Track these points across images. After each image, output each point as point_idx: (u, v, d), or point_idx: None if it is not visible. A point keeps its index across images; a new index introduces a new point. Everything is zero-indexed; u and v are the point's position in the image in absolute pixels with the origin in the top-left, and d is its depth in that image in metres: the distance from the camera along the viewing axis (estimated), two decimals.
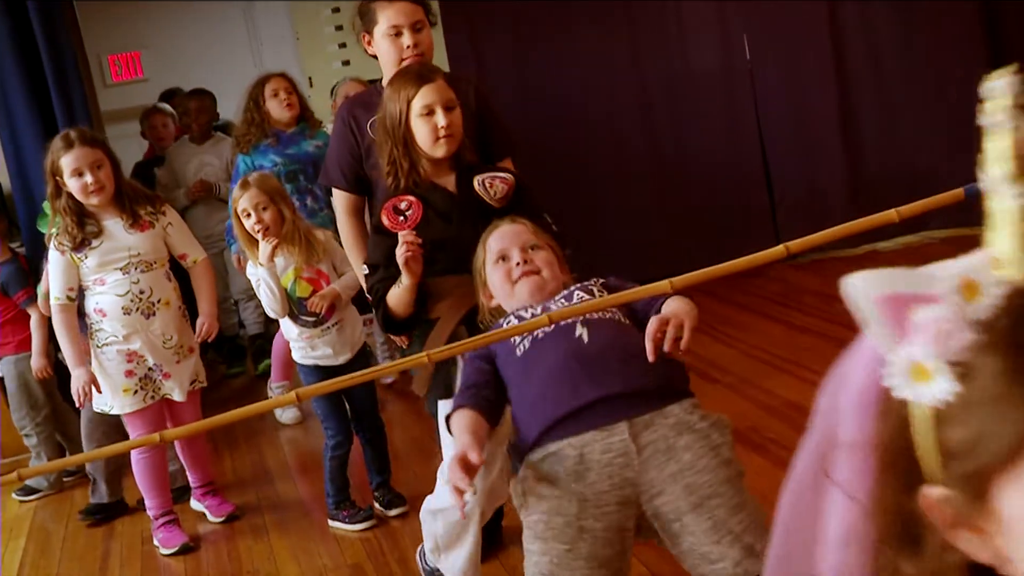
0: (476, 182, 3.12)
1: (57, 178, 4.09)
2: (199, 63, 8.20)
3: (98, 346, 4.17)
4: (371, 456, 4.29)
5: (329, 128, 4.84)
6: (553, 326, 2.64)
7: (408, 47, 3.43)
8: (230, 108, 6.36)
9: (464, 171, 3.18)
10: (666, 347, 2.55)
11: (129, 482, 4.66)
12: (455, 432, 2.61)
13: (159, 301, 4.19)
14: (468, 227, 3.06)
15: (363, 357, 4.22)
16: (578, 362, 2.61)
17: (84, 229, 4.10)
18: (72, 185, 4.07)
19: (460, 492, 2.36)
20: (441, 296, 3.10)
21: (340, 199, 3.69)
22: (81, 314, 4.21)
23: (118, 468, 4.74)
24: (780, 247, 2.42)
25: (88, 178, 4.06)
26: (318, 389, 3.02)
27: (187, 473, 4.61)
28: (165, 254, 4.26)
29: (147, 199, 4.26)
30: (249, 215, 4.03)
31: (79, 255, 4.11)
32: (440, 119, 3.09)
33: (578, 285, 2.84)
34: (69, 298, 4.12)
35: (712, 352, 5.30)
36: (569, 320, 2.68)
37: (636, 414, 2.54)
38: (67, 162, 4.05)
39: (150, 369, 4.19)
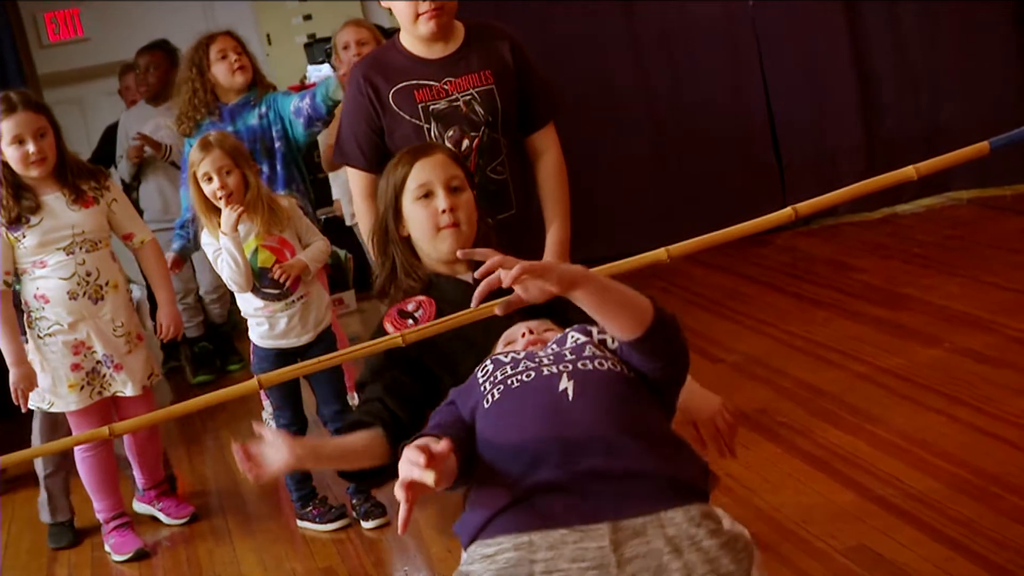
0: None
1: None
2: (144, 20, 8.13)
3: (40, 336, 4.13)
4: None
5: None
6: (531, 373, 2.28)
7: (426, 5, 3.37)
8: None
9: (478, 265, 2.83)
10: (720, 450, 2.33)
11: (77, 498, 4.61)
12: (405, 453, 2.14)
13: (107, 284, 4.16)
14: (493, 323, 2.63)
15: (327, 339, 4.19)
16: (554, 424, 2.17)
17: (20, 203, 4.05)
18: (10, 154, 4.02)
19: (411, 490, 1.99)
20: None
21: (358, 180, 3.58)
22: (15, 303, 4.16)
23: (67, 478, 4.65)
24: (788, 209, 2.42)
25: (30, 147, 4.01)
26: (282, 375, 3.00)
27: (135, 473, 4.56)
28: (108, 233, 4.23)
29: (90, 173, 4.22)
30: (211, 179, 3.98)
31: (15, 233, 4.06)
32: (441, 202, 2.78)
33: (576, 327, 2.43)
34: (5, 283, 4.07)
35: (715, 329, 5.31)
36: (553, 369, 2.28)
37: (625, 514, 2.05)
38: (7, 128, 4.00)
39: (98, 362, 4.16)
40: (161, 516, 4.55)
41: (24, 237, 4.06)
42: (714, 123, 6.88)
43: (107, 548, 4.38)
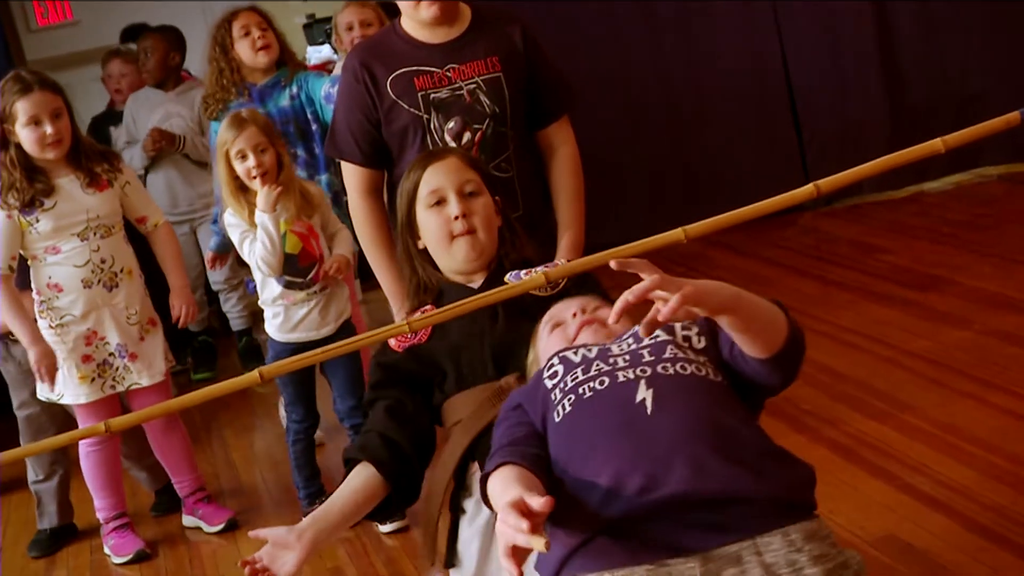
0: (510, 277, 2.67)
1: (5, 126, 4.03)
2: (138, 3, 8.13)
3: (51, 326, 4.11)
4: None
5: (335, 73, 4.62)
6: (605, 379, 2.11)
7: None
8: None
9: (498, 272, 2.76)
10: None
11: (77, 497, 4.62)
12: (496, 493, 2.03)
13: (122, 270, 4.16)
14: (504, 324, 2.63)
15: (347, 333, 4.14)
16: (632, 443, 1.99)
17: (34, 186, 4.03)
18: (25, 135, 4.00)
19: (517, 556, 1.82)
20: (459, 411, 2.64)
21: (353, 175, 3.48)
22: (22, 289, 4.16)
23: (66, 480, 4.64)
24: (809, 186, 2.41)
25: (48, 128, 4.00)
26: (282, 367, 2.98)
27: (172, 482, 4.49)
28: (122, 217, 4.23)
29: (103, 156, 4.23)
30: (245, 157, 3.96)
31: (29, 217, 4.04)
32: (453, 208, 2.74)
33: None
34: (11, 268, 4.06)
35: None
36: (629, 374, 2.10)
37: (718, 542, 1.89)
38: (22, 108, 3.99)
39: (111, 354, 4.14)
40: (203, 525, 4.45)
41: (38, 221, 4.04)
42: (731, 100, 6.85)
43: (106, 550, 4.39)
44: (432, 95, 3.34)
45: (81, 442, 4.22)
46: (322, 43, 5.72)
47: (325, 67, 6.09)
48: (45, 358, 4.06)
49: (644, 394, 2.04)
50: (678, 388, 2.05)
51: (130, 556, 4.31)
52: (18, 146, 4.03)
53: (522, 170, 3.40)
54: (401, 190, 2.83)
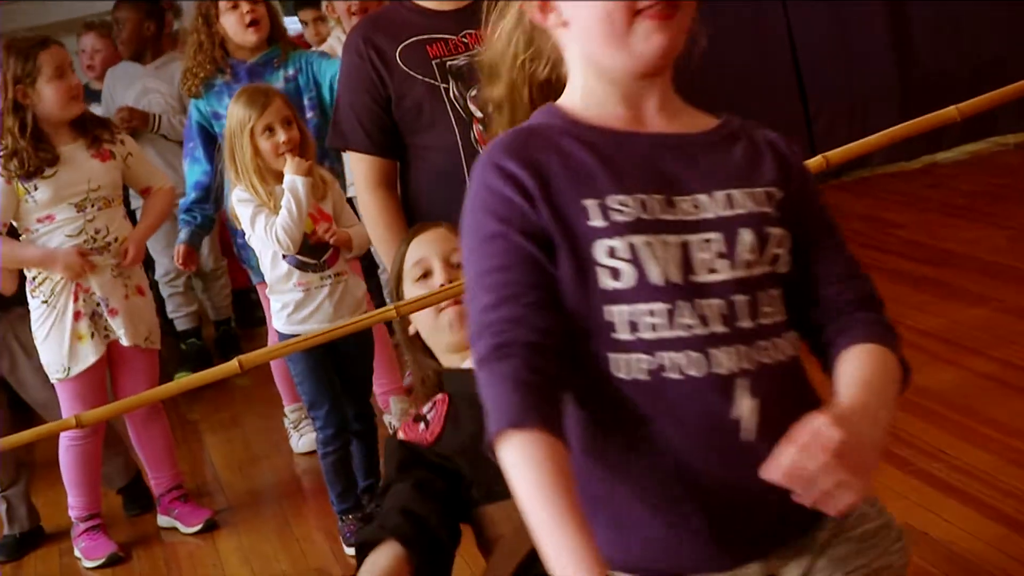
0: None
1: (20, 87, 4.01)
2: None
3: (44, 301, 4.11)
4: (360, 452, 4.08)
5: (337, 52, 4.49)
6: (701, 362, 1.59)
7: None
8: None
9: None
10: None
11: (42, 500, 4.62)
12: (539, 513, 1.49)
13: (116, 240, 4.17)
14: None
15: (363, 332, 3.92)
16: (722, 471, 1.60)
17: (39, 155, 4.03)
18: (51, 91, 4.01)
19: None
20: (497, 525, 2.38)
21: (361, 167, 3.27)
22: None
23: (30, 483, 4.62)
24: (818, 158, 2.42)
25: (73, 80, 4.05)
26: (263, 355, 2.99)
27: (150, 477, 4.48)
28: (122, 191, 4.25)
29: (101, 122, 4.26)
30: (274, 132, 3.84)
31: (27, 184, 4.05)
32: (438, 277, 2.66)
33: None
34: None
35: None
36: (726, 362, 1.60)
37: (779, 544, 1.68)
38: (48, 59, 4.01)
39: (97, 304, 4.13)
40: (179, 525, 4.43)
41: (36, 189, 4.05)
42: (731, 68, 6.85)
43: (77, 553, 4.37)
44: (448, 62, 3.19)
45: (63, 434, 4.18)
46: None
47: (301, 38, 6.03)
48: (69, 257, 4.05)
49: (743, 408, 1.60)
50: (780, 395, 1.64)
51: (102, 560, 4.30)
52: (30, 113, 4.02)
53: None
54: (390, 271, 2.76)
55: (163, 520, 4.49)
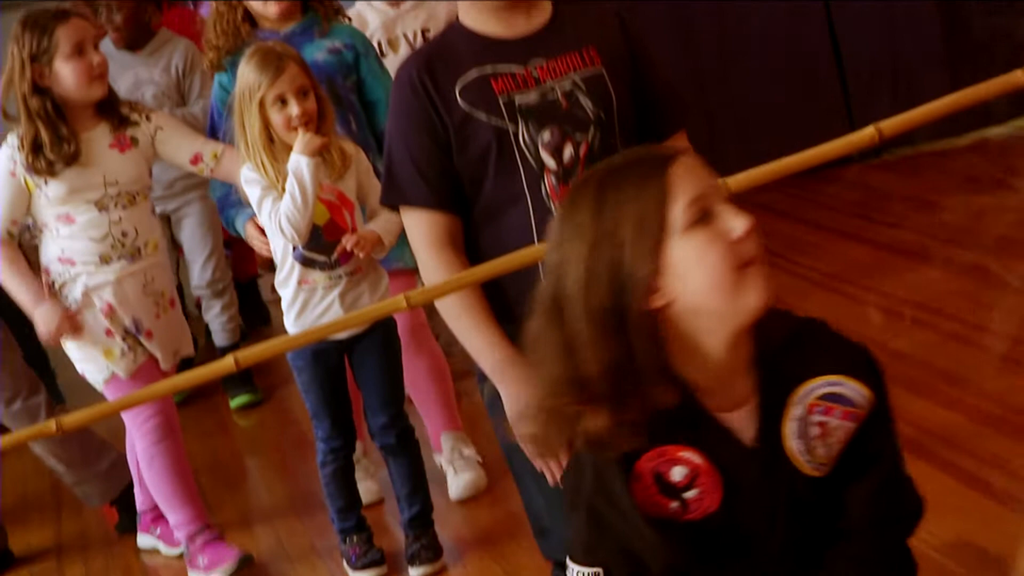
0: (792, 430, 2.13)
1: (36, 66, 3.94)
2: None
3: (68, 306, 4.05)
4: (397, 473, 3.98)
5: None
6: None
7: None
8: None
9: (770, 386, 2.17)
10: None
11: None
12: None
13: (146, 244, 4.11)
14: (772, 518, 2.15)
15: (383, 329, 3.90)
16: None
17: (60, 150, 3.94)
18: (70, 70, 3.93)
19: None
20: None
21: (422, 225, 2.89)
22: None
23: None
24: (870, 129, 2.38)
25: (95, 57, 4.00)
26: (259, 353, 2.94)
27: (135, 491, 4.43)
28: (149, 185, 4.19)
29: (128, 101, 4.23)
30: (286, 103, 3.70)
31: (36, 179, 3.98)
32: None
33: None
34: (9, 232, 4.01)
35: (776, 287, 5.25)
36: None
37: None
38: (66, 34, 3.94)
39: (126, 329, 4.08)
40: (160, 545, 4.40)
41: (46, 183, 3.98)
42: (762, 37, 6.84)
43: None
44: (518, 99, 2.87)
45: (140, 447, 4.13)
46: None
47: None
48: (52, 315, 3.98)
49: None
50: None
51: (234, 566, 4.09)
52: (50, 97, 3.95)
53: None
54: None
55: (144, 540, 4.46)
